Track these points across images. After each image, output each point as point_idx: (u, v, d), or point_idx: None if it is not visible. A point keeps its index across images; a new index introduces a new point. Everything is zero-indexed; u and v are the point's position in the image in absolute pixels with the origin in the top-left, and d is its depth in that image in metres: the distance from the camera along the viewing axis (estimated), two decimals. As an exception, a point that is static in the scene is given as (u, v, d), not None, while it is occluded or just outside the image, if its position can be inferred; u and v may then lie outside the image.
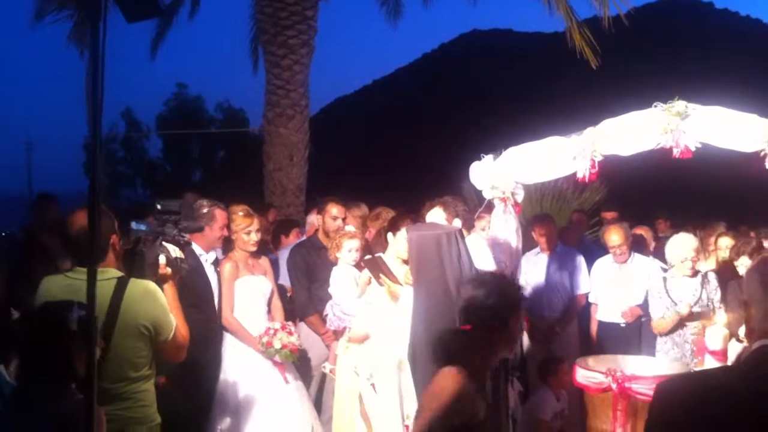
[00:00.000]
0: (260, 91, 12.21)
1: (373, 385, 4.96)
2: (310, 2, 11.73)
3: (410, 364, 4.42)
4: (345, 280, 6.04)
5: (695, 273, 6.26)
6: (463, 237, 4.46)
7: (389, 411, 4.82)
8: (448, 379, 3.34)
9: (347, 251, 6.08)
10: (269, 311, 6.15)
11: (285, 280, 6.96)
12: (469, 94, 56.34)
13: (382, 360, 4.97)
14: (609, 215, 9.82)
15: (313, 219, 7.48)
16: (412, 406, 4.61)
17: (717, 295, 6.15)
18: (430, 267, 4.38)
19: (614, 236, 7.31)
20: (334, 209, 6.78)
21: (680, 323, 6.01)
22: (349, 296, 5.92)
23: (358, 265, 5.93)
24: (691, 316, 5.97)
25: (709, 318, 5.71)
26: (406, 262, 5.77)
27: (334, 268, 6.16)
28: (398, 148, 49.51)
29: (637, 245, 7.76)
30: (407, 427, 4.72)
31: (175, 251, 4.00)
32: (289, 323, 6.01)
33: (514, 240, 5.48)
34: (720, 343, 4.95)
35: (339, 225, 6.64)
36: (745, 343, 2.36)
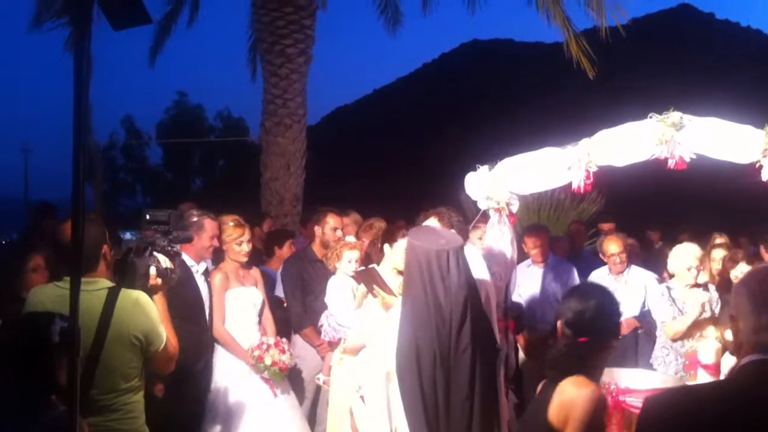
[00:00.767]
0: (259, 100, 12.23)
1: (362, 396, 4.91)
2: (307, 11, 11.74)
3: (397, 373, 4.38)
4: (342, 290, 6.01)
5: (697, 284, 6.24)
6: (459, 254, 4.37)
7: (378, 423, 4.77)
8: (584, 387, 3.40)
9: (347, 261, 6.06)
10: (260, 322, 6.12)
11: (281, 291, 6.95)
12: (470, 104, 56.40)
13: (370, 371, 4.93)
14: (606, 226, 9.79)
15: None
16: (400, 418, 4.57)
17: (718, 307, 6.13)
18: (414, 279, 4.34)
19: (612, 246, 7.29)
20: (333, 221, 6.77)
21: (692, 328, 5.96)
22: (346, 307, 5.89)
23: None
24: (699, 325, 5.93)
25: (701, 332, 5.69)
26: (401, 273, 5.75)
27: (331, 278, 6.13)
28: (398, 157, 49.56)
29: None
30: None
31: (165, 261, 3.98)
32: (284, 340, 5.97)
33: (509, 251, 5.46)
34: (712, 356, 4.91)
35: (339, 236, 6.62)
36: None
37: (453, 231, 5.14)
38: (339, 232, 6.70)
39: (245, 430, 5.69)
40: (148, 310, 3.77)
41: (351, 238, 6.54)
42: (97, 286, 3.66)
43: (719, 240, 8.04)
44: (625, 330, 7.19)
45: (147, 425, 3.94)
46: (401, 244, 5.73)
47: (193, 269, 5.73)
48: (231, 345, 5.85)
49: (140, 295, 3.77)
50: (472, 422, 4.20)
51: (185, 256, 5.63)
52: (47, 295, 3.73)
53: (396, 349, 4.36)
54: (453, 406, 4.18)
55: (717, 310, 6.11)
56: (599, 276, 7.49)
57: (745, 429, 2.03)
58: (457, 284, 4.21)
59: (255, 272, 6.24)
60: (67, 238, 3.63)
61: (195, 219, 5.65)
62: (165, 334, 3.84)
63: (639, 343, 7.22)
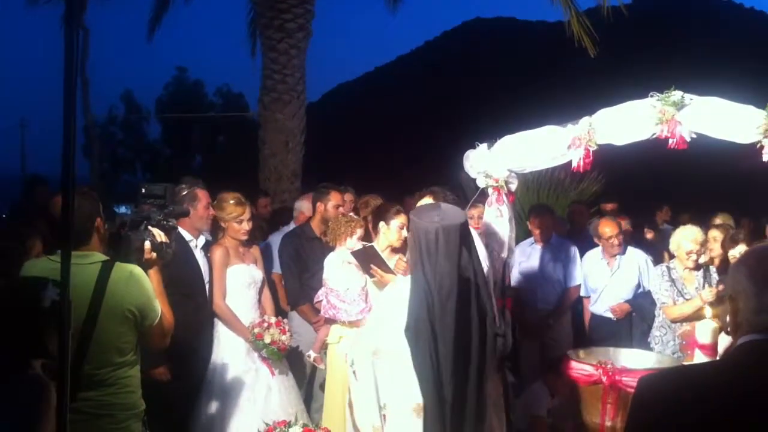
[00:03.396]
0: (258, 75, 12.12)
1: (354, 372, 4.92)
2: (307, -15, 11.60)
3: (410, 346, 4.38)
4: (342, 266, 5.98)
5: (698, 266, 6.23)
6: (451, 232, 4.35)
7: (368, 399, 4.77)
8: None
9: (357, 239, 6.05)
10: (260, 300, 6.11)
11: (276, 266, 6.94)
12: (471, 82, 56.22)
13: (360, 348, 4.94)
14: (609, 206, 9.77)
15: (303, 206, 7.42)
16: (388, 394, 4.58)
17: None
18: (413, 254, 4.36)
19: (607, 228, 7.27)
20: (337, 198, 6.75)
21: (698, 312, 5.93)
22: (347, 283, 5.88)
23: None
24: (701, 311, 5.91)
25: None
26: (395, 251, 5.73)
27: (330, 255, 6.10)
28: (399, 134, 49.45)
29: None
30: (384, 416, 4.68)
31: (160, 236, 3.95)
32: (285, 320, 5.97)
33: (507, 229, 5.43)
34: (709, 336, 4.89)
35: (341, 212, 6.60)
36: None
37: (457, 209, 5.12)
38: (340, 209, 6.69)
39: (242, 407, 5.70)
40: (142, 284, 3.74)
41: (352, 216, 6.53)
42: (90, 260, 3.63)
43: (718, 221, 8.02)
44: (618, 314, 7.21)
45: (144, 400, 3.93)
46: (396, 222, 5.73)
47: (192, 244, 5.71)
48: (231, 321, 5.83)
49: (134, 269, 3.73)
50: (467, 401, 4.20)
51: (182, 231, 5.60)
52: (40, 269, 3.69)
53: (408, 313, 4.37)
54: (445, 381, 4.18)
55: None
56: (592, 258, 7.47)
57: (741, 409, 2.00)
58: (445, 262, 4.20)
59: (255, 250, 6.22)
60: (59, 211, 3.61)
61: (186, 192, 5.61)
62: (160, 308, 3.81)
63: (633, 324, 7.21)
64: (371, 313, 5.26)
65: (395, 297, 4.72)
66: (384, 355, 4.61)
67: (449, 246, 4.22)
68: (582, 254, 7.57)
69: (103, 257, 3.72)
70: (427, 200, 5.17)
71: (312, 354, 6.20)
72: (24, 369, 2.91)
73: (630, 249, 7.46)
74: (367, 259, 5.61)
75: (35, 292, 2.92)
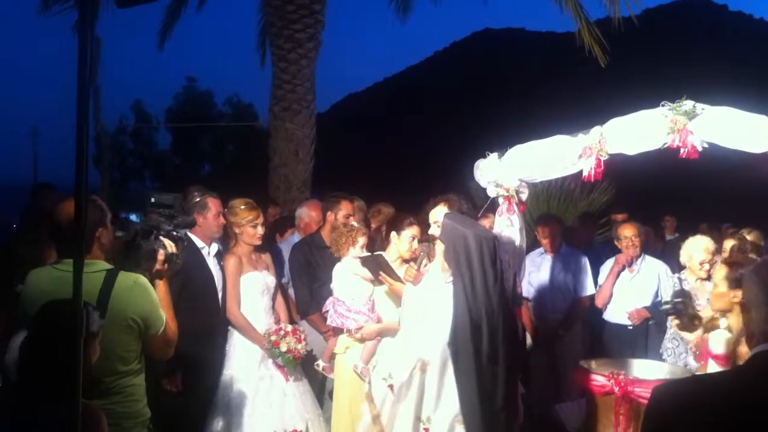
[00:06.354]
0: (268, 85, 12.15)
1: (390, 386, 4.90)
2: (317, -4, 11.62)
3: (452, 358, 4.44)
4: (350, 276, 5.98)
5: (710, 276, 6.21)
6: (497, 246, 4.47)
7: (406, 413, 4.77)
8: None
9: (360, 247, 6.05)
10: (273, 306, 6.13)
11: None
12: (480, 93, 56.31)
13: (401, 360, 4.93)
14: (619, 217, 9.76)
15: (302, 212, 7.42)
16: (431, 407, 4.60)
17: None
18: (471, 261, 4.48)
19: (627, 230, 7.34)
20: (347, 208, 6.75)
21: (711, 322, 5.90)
22: (354, 293, 5.87)
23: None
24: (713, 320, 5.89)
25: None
26: (406, 261, 5.72)
27: (338, 265, 6.10)
28: (408, 145, 49.52)
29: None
30: (426, 430, 4.68)
31: (171, 247, 3.94)
32: (301, 329, 5.99)
33: (518, 239, 5.41)
34: (723, 347, 4.87)
35: (349, 222, 6.60)
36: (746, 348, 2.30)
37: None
38: (350, 219, 6.68)
39: (259, 415, 5.72)
40: (146, 293, 3.71)
41: (355, 224, 6.53)
42: (95, 268, 3.60)
43: (732, 231, 7.99)
44: (635, 320, 7.18)
45: (158, 408, 3.90)
46: (408, 233, 5.72)
47: (204, 251, 5.72)
48: (246, 329, 5.85)
49: (138, 278, 3.71)
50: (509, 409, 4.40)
51: (194, 239, 5.61)
52: (45, 277, 3.68)
53: (451, 332, 4.47)
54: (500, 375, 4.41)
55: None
56: (611, 264, 7.46)
57: (754, 419, 1.99)
58: (490, 275, 4.42)
59: (266, 257, 6.25)
60: (64, 218, 3.59)
61: (197, 200, 5.63)
62: (164, 318, 3.79)
63: (649, 334, 7.18)
64: (407, 326, 5.25)
65: (431, 307, 4.75)
66: (431, 368, 4.63)
67: (490, 257, 4.32)
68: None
69: (107, 266, 3.69)
70: (442, 208, 5.15)
71: (321, 363, 6.20)
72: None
73: (649, 257, 7.45)
74: (377, 267, 5.60)
75: (86, 318, 2.87)
